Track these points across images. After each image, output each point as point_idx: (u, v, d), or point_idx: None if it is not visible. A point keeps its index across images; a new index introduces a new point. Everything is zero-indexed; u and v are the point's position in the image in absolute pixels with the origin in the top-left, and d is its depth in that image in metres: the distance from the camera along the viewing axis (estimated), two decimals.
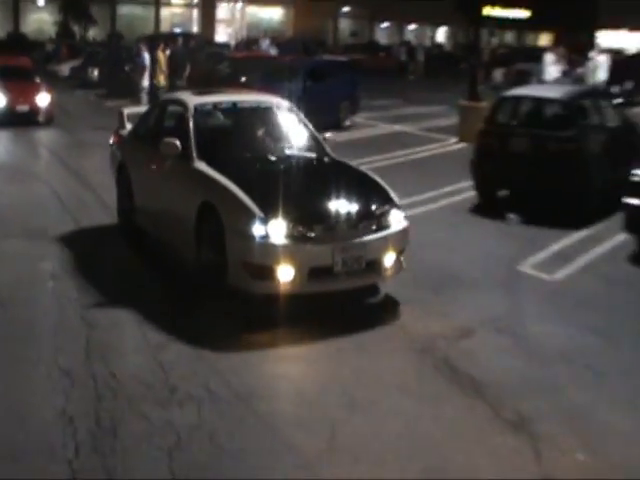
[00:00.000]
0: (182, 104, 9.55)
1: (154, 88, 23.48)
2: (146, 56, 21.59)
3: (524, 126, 13.32)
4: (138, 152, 10.29)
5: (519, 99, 14.12)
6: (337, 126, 21.29)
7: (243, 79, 22.42)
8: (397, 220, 8.15)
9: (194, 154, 8.66)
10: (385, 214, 8.06)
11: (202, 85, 20.50)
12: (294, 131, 9.87)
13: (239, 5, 59.78)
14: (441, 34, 76.21)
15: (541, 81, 28.35)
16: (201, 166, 8.48)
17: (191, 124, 9.01)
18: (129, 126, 11.01)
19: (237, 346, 7.13)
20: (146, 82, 21.03)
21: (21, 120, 20.93)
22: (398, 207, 8.24)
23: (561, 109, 13.31)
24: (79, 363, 6.55)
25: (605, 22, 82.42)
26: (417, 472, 5.17)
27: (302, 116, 10.01)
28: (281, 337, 7.46)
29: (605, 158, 12.75)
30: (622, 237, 10.86)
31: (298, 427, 5.68)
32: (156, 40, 28.21)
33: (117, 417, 5.71)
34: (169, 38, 28.17)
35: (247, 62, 24.93)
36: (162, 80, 23.59)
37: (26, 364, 6.60)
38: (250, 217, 7.46)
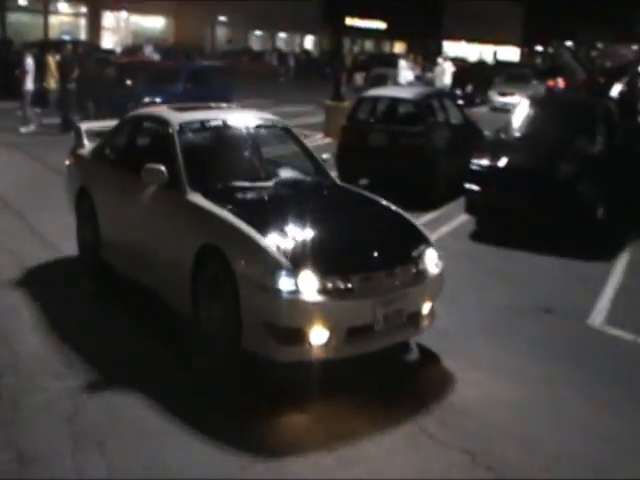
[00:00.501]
0: (163, 121, 7.44)
1: (44, 91, 22.79)
2: (29, 61, 20.85)
3: (380, 123, 13.64)
4: (106, 176, 7.97)
5: (376, 99, 14.42)
6: None
7: (128, 82, 22.03)
8: (433, 262, 6.28)
9: (185, 183, 6.59)
10: (422, 256, 6.19)
11: (90, 87, 20.07)
12: (293, 153, 8.12)
13: (123, 14, 58.41)
14: (309, 42, 76.51)
15: (396, 84, 28.99)
16: (196, 198, 6.43)
17: (178, 146, 6.91)
18: (88, 144, 8.81)
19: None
20: (29, 86, 20.34)
21: None
22: (433, 246, 6.41)
23: (412, 108, 13.67)
24: None
25: (448, 34, 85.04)
26: None
27: (297, 135, 8.16)
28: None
29: (449, 150, 13.19)
30: (464, 217, 11.29)
31: None
32: (45, 46, 27.28)
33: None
34: (58, 44, 27.33)
35: (132, 66, 24.41)
36: (52, 83, 22.88)
37: None
38: (274, 268, 5.47)
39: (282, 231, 5.86)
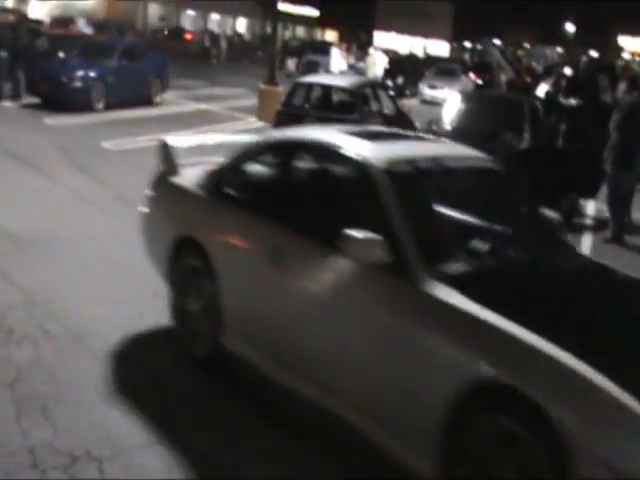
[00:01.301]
0: (350, 158, 4.83)
1: None
2: None
3: (315, 109, 13.86)
4: (238, 227, 5.39)
5: (311, 85, 14.66)
6: (148, 102, 21.14)
7: (61, 54, 21.71)
8: None
9: (417, 265, 4.14)
10: None
11: (22, 57, 19.70)
12: (525, 211, 5.47)
13: None
14: (241, 24, 76.08)
15: (329, 72, 29.29)
16: (444, 294, 3.97)
17: (394, 202, 4.39)
18: (189, 172, 6.14)
19: None
20: None
21: None
22: None
23: (346, 96, 13.95)
24: None
25: (380, 25, 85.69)
26: None
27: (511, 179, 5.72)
28: None
29: None
30: None
31: None
32: None
33: None
34: None
35: (65, 39, 24.10)
36: None
37: None
38: None
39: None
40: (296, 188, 5.34)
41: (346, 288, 4.42)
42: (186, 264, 5.81)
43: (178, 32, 52.80)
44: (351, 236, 4.17)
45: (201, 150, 6.47)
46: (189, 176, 6.09)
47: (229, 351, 5.52)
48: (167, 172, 6.30)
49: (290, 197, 5.26)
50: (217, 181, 5.75)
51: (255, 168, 5.68)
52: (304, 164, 5.48)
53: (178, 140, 6.50)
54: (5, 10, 26.56)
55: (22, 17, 27.59)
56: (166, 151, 6.30)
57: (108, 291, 7.23)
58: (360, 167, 4.75)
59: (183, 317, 5.96)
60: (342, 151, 4.95)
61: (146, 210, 6.50)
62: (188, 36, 51.99)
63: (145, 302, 7.00)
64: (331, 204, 5.00)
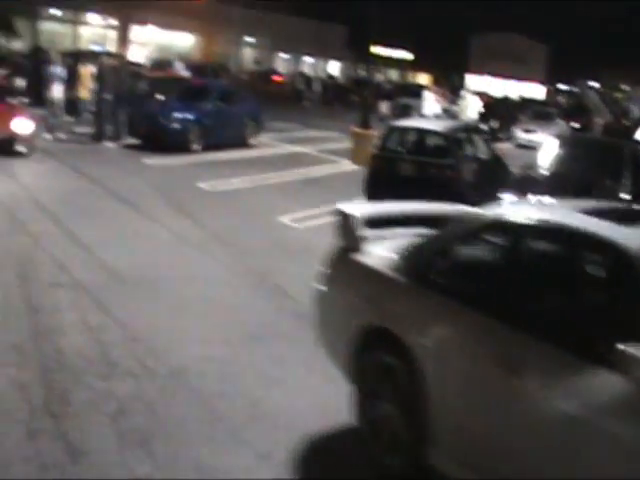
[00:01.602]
0: (600, 246, 4.10)
1: (76, 100, 23.28)
2: (57, 70, 21.12)
3: (410, 153, 13.95)
4: (454, 323, 4.53)
5: (406, 129, 14.74)
6: (243, 144, 21.66)
7: (160, 97, 22.49)
8: None
9: None
10: None
11: (124, 100, 20.50)
12: None
13: (152, 29, 59.23)
14: (334, 67, 77.25)
15: (422, 115, 29.41)
16: None
17: None
18: (376, 249, 5.36)
19: None
20: (55, 93, 20.63)
21: None
22: None
23: (441, 140, 13.98)
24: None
25: (473, 68, 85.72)
26: None
27: None
28: None
29: (477, 184, 13.48)
30: None
31: None
32: (78, 56, 27.86)
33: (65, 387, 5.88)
34: (92, 55, 27.92)
35: (163, 81, 24.97)
36: (84, 93, 23.39)
37: None
38: None
39: None
40: (533, 282, 4.40)
41: (618, 412, 3.54)
42: (377, 360, 4.97)
43: (269, 74, 54.08)
44: (633, 355, 3.40)
45: (386, 220, 5.67)
46: (377, 254, 5.29)
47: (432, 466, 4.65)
48: (349, 248, 5.49)
49: (526, 292, 4.32)
50: (421, 264, 4.86)
51: (473, 252, 4.89)
52: (540, 251, 4.68)
53: (357, 208, 5.57)
54: (108, 54, 27.71)
55: (124, 61, 28.73)
56: (346, 223, 5.46)
57: (206, 329, 7.45)
58: (624, 259, 3.78)
59: (371, 420, 5.08)
60: (595, 238, 4.02)
61: (322, 290, 5.68)
62: (277, 78, 53.23)
63: (242, 342, 7.19)
64: (581, 303, 4.37)
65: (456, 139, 13.94)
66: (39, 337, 6.83)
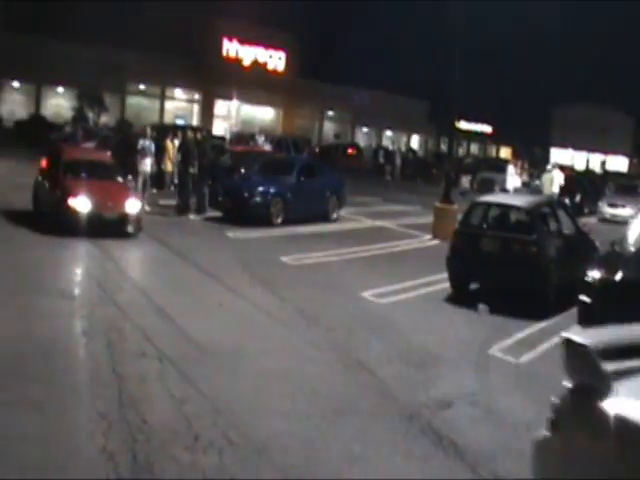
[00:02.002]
0: None
1: (162, 173, 24.15)
2: (146, 143, 21.91)
3: (493, 229, 13.93)
4: None
5: (489, 205, 14.73)
6: (325, 219, 21.97)
7: (242, 170, 23.10)
8: None
9: None
10: None
11: (208, 173, 21.12)
12: None
13: (235, 103, 60.96)
14: (414, 141, 77.93)
15: (504, 190, 29.33)
16: None
17: None
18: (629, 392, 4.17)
19: None
20: (144, 167, 21.38)
21: (107, 230, 15.66)
22: None
23: (525, 216, 13.94)
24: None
25: (555, 141, 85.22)
26: None
27: None
28: None
29: (561, 260, 13.36)
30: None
31: None
32: (162, 130, 28.90)
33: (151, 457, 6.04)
34: (176, 128, 28.96)
35: (247, 155, 25.64)
36: (169, 166, 24.26)
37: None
38: None
39: None
40: None
41: None
42: None
43: (347, 148, 54.97)
44: None
45: (627, 349, 4.51)
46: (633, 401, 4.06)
47: None
48: (589, 389, 4.27)
49: None
50: None
51: None
52: None
53: (590, 335, 4.50)
54: (192, 128, 28.65)
55: (207, 134, 29.67)
56: (581, 355, 4.32)
57: (288, 403, 7.54)
58: None
59: None
60: None
61: (548, 437, 4.64)
62: (350, 150, 54.05)
63: (324, 417, 7.26)
64: None
65: (540, 214, 13.88)
66: (126, 406, 7.02)
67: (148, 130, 23.51)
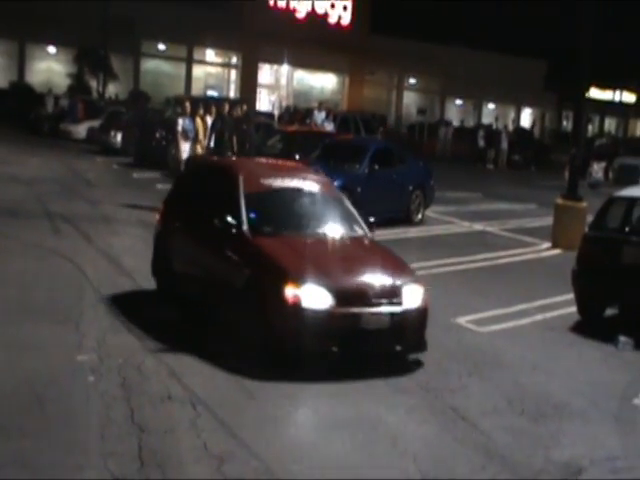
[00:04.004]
0: None
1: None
2: (186, 122, 22.13)
3: (638, 234, 13.71)
4: None
5: (633, 201, 14.45)
6: (407, 220, 22.03)
7: (297, 158, 23.23)
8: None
9: None
10: None
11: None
12: None
13: (286, 68, 61.12)
14: (526, 116, 77.18)
15: None
16: None
17: None
18: None
19: None
20: (184, 154, 21.61)
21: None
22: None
23: None
24: None
25: None
26: None
27: None
28: None
29: None
30: None
31: None
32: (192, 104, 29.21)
33: None
34: (208, 102, 29.21)
35: (301, 137, 25.83)
36: (199, 150, 24.46)
37: None
38: None
39: None
40: None
41: None
42: None
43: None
44: None
45: None
46: None
47: None
48: None
49: None
50: None
51: None
52: None
53: None
54: (230, 102, 28.54)
55: (249, 110, 29.87)
56: None
57: (363, 460, 7.66)
58: None
59: None
60: None
61: None
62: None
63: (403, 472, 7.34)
64: None
65: None
66: (147, 466, 7.14)
67: (187, 105, 23.72)
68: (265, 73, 62.61)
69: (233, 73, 62.79)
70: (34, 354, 9.77)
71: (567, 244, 18.21)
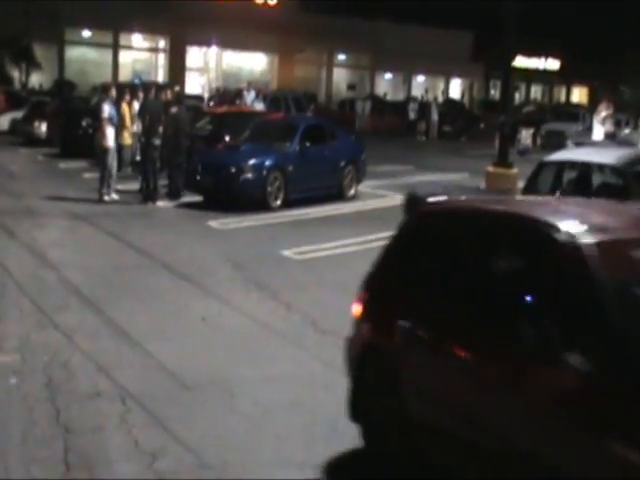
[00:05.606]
0: None
1: (118, 148, 23.87)
2: (107, 107, 21.57)
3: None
4: None
5: (563, 164, 14.40)
6: (340, 196, 21.79)
7: (227, 138, 22.89)
8: None
9: None
10: None
11: (181, 145, 20.92)
12: None
13: (214, 50, 60.70)
14: (455, 87, 77.54)
15: (579, 144, 29.00)
16: None
17: None
18: None
19: None
20: (110, 142, 21.04)
21: None
22: None
23: (615, 177, 13.64)
24: None
25: None
26: None
27: None
28: None
29: None
30: None
31: None
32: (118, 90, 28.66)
33: None
34: (137, 88, 28.70)
35: (231, 118, 25.42)
36: (127, 138, 23.95)
37: None
38: None
39: None
40: None
41: None
42: None
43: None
44: None
45: None
46: None
47: None
48: None
49: None
50: None
51: None
52: None
53: None
54: (157, 86, 28.05)
55: (178, 94, 29.45)
56: None
57: (299, 451, 7.35)
58: None
59: None
60: None
61: None
62: None
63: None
64: None
65: (636, 174, 13.60)
66: (74, 469, 6.82)
67: (113, 91, 23.21)
68: (193, 56, 62.04)
69: (161, 57, 62.22)
70: None
71: None
